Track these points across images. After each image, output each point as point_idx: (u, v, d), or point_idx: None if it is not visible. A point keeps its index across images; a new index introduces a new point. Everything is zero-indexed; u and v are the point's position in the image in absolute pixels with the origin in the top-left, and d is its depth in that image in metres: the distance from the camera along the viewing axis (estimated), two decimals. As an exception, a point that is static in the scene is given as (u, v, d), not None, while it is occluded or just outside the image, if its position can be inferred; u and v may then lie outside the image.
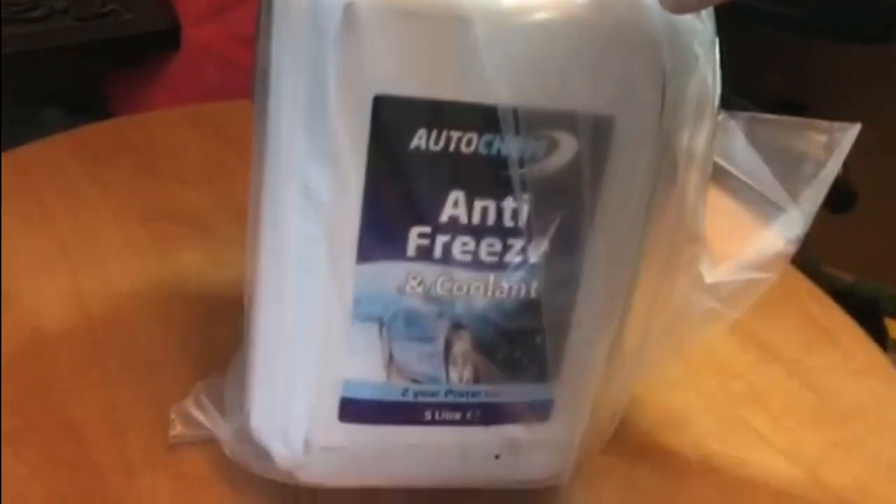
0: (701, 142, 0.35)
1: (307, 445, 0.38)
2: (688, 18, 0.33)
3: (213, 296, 0.52)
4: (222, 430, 0.41)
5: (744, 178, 0.36)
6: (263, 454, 0.39)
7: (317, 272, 0.35)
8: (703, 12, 0.34)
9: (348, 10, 0.31)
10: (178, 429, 0.42)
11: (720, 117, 0.36)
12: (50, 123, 1.06)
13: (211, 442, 0.42)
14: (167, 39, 0.96)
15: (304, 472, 0.39)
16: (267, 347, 0.38)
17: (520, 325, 0.36)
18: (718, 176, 0.36)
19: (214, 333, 0.49)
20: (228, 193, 0.59)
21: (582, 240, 0.35)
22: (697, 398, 0.50)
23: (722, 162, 0.36)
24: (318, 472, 0.39)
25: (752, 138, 0.36)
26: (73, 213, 0.56)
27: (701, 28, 0.34)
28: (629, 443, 0.46)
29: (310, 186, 0.34)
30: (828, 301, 0.59)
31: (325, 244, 0.34)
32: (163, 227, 0.57)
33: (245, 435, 0.40)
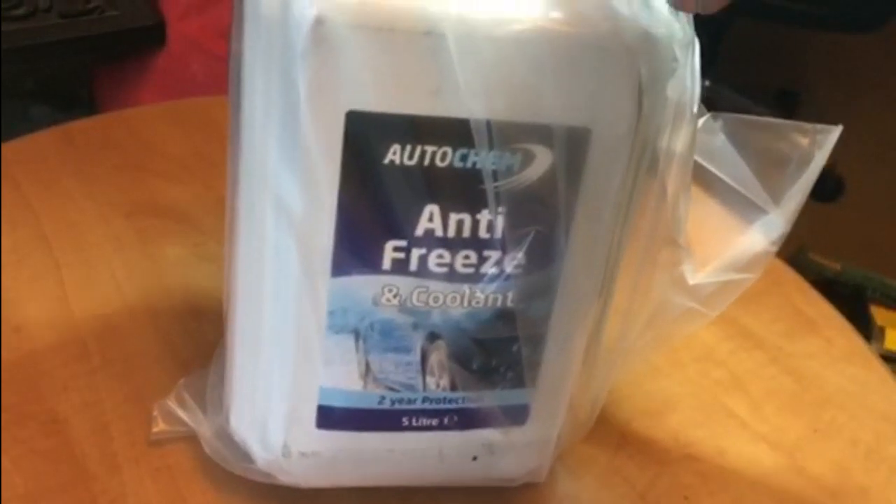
0: (681, 141, 0.35)
1: (286, 450, 0.38)
2: (666, 22, 0.33)
3: (197, 290, 0.52)
4: (203, 429, 0.41)
5: (726, 178, 0.36)
6: (244, 454, 0.40)
7: (291, 284, 0.35)
8: (682, 15, 0.34)
9: (316, 27, 0.30)
10: (160, 426, 0.42)
11: (703, 118, 0.36)
12: (38, 120, 1.06)
13: (194, 436, 0.42)
14: (152, 35, 0.96)
15: (283, 473, 0.39)
16: (244, 353, 0.38)
17: (496, 334, 0.37)
18: (701, 176, 0.36)
19: (198, 327, 0.49)
20: (213, 187, 0.59)
21: (558, 250, 0.35)
22: (679, 385, 0.50)
23: (704, 162, 0.36)
24: (297, 475, 0.39)
25: (735, 139, 0.36)
26: (57, 209, 0.56)
27: (679, 31, 0.34)
28: (610, 431, 0.46)
29: (283, 200, 0.34)
30: (810, 290, 0.60)
31: (298, 257, 0.34)
32: (147, 221, 0.57)
33: (226, 434, 0.40)
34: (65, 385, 0.45)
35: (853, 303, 1.15)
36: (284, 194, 0.34)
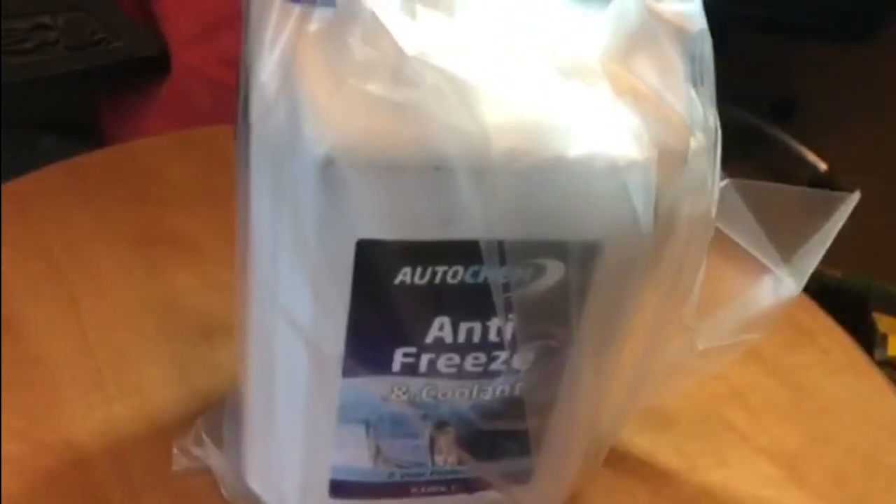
0: (699, 214, 0.35)
1: None
2: (681, 129, 0.32)
3: (207, 316, 0.54)
4: (222, 470, 0.42)
5: (740, 241, 0.37)
6: None
7: (301, 383, 0.36)
8: (706, 98, 0.33)
9: (326, 168, 0.30)
10: (181, 463, 0.44)
11: (721, 184, 0.35)
12: (46, 150, 1.08)
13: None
14: (157, 64, 0.97)
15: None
16: (258, 428, 0.39)
17: (503, 420, 0.37)
18: (715, 236, 0.36)
19: (210, 352, 0.50)
20: (220, 216, 0.60)
21: (568, 346, 0.35)
22: (679, 399, 0.51)
23: (718, 224, 0.36)
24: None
25: (749, 202, 0.36)
26: (70, 242, 0.58)
27: (700, 118, 0.33)
28: (614, 447, 0.47)
29: (293, 314, 0.34)
30: (807, 301, 0.61)
31: (309, 362, 0.35)
32: (157, 251, 0.58)
33: (244, 479, 0.42)
34: (83, 414, 0.46)
35: (855, 311, 1.16)
36: (295, 312, 0.34)
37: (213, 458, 0.43)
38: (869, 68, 1.77)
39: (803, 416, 0.52)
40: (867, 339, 1.11)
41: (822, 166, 1.62)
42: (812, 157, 1.63)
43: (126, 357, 0.50)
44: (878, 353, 1.10)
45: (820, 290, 0.64)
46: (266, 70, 0.30)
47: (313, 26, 0.30)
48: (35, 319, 0.52)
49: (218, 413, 0.44)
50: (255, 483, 0.41)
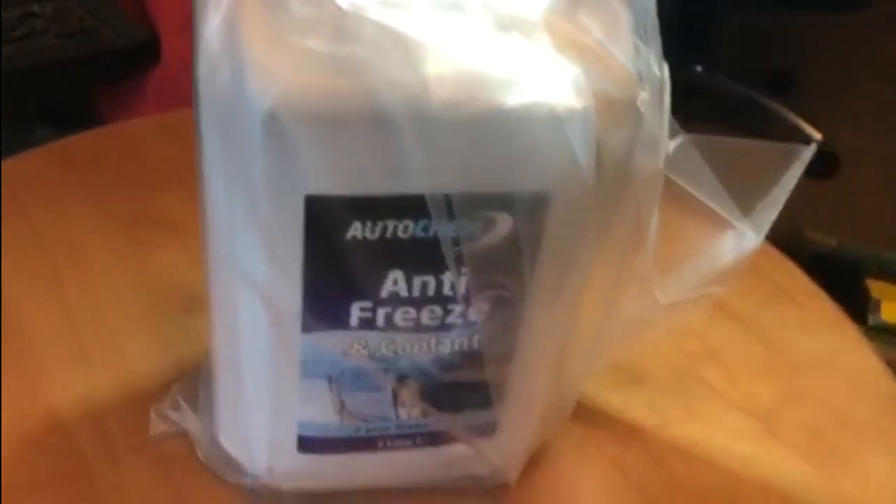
0: (652, 167, 0.35)
1: (270, 470, 0.41)
2: (625, 80, 0.33)
3: (190, 291, 0.54)
4: (198, 434, 0.44)
5: (700, 196, 0.37)
6: (237, 466, 0.42)
7: (263, 339, 0.37)
8: (652, 49, 0.34)
9: (269, 122, 0.30)
10: (158, 428, 0.45)
11: (678, 139, 0.36)
12: (43, 141, 1.09)
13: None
14: (147, 51, 0.98)
15: (270, 483, 0.42)
16: (227, 389, 0.41)
17: (463, 372, 0.38)
18: (676, 192, 0.37)
19: (190, 325, 0.51)
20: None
21: (522, 298, 0.36)
22: (652, 357, 0.52)
23: (678, 180, 0.37)
24: (283, 486, 0.42)
25: (709, 157, 0.37)
26: (56, 220, 0.59)
27: (645, 72, 0.34)
28: (584, 403, 0.48)
29: (250, 274, 0.35)
30: (784, 260, 0.61)
31: (268, 318, 0.36)
32: (142, 229, 0.59)
33: (218, 441, 0.43)
34: (65, 385, 0.47)
35: (850, 277, 1.16)
36: (251, 269, 0.35)
37: (189, 422, 0.44)
38: (865, 39, 1.77)
39: (777, 371, 0.53)
40: (862, 306, 1.12)
41: (818, 137, 1.62)
42: (808, 129, 1.63)
43: (108, 329, 0.51)
44: (871, 319, 1.11)
45: (815, 259, 0.65)
46: (211, 29, 0.31)
47: (256, -15, 0.31)
48: (22, 297, 0.53)
49: (194, 379, 0.45)
50: (226, 442, 0.42)
